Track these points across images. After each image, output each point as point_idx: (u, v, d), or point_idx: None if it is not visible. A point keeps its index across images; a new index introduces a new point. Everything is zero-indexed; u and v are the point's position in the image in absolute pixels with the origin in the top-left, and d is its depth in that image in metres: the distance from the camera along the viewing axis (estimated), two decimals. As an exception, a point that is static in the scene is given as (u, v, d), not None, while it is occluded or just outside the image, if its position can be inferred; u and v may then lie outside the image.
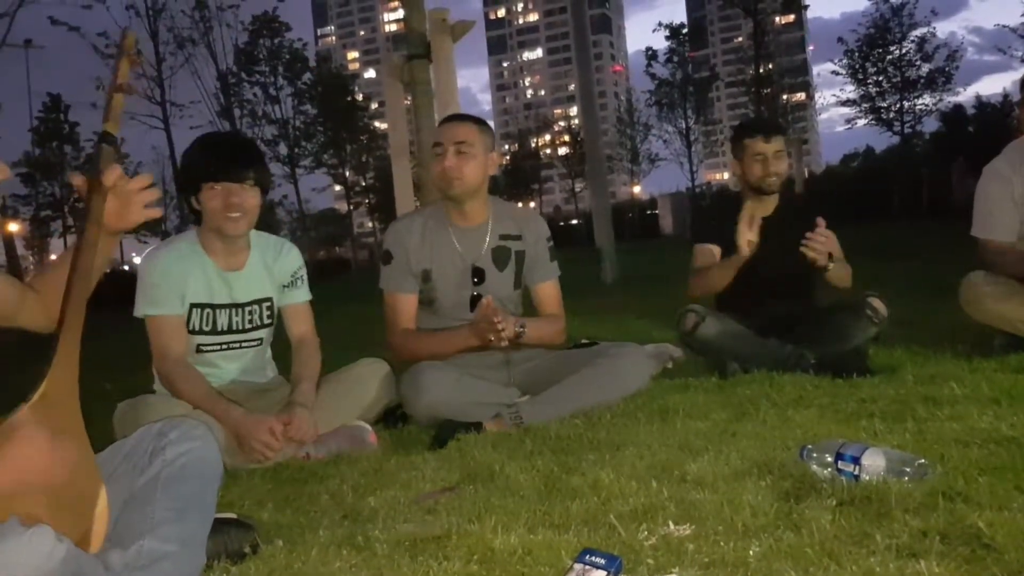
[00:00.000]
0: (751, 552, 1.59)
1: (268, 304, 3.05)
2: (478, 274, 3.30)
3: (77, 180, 1.73)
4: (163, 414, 2.40)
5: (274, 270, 3.06)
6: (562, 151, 65.51)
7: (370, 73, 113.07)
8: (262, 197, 2.93)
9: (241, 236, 2.94)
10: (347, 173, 45.34)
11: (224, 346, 2.99)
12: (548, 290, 3.44)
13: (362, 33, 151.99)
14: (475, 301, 3.26)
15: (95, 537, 1.53)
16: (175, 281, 2.87)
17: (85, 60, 30.95)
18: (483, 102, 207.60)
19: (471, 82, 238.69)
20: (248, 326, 3.01)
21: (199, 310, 2.92)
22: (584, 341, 3.45)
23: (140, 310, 2.88)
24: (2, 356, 1.71)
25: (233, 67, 36.74)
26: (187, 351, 2.91)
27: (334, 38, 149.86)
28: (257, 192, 2.89)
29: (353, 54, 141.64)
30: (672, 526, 1.77)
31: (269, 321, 3.07)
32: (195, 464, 1.69)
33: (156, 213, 1.85)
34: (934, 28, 35.56)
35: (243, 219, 2.86)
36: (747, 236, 3.40)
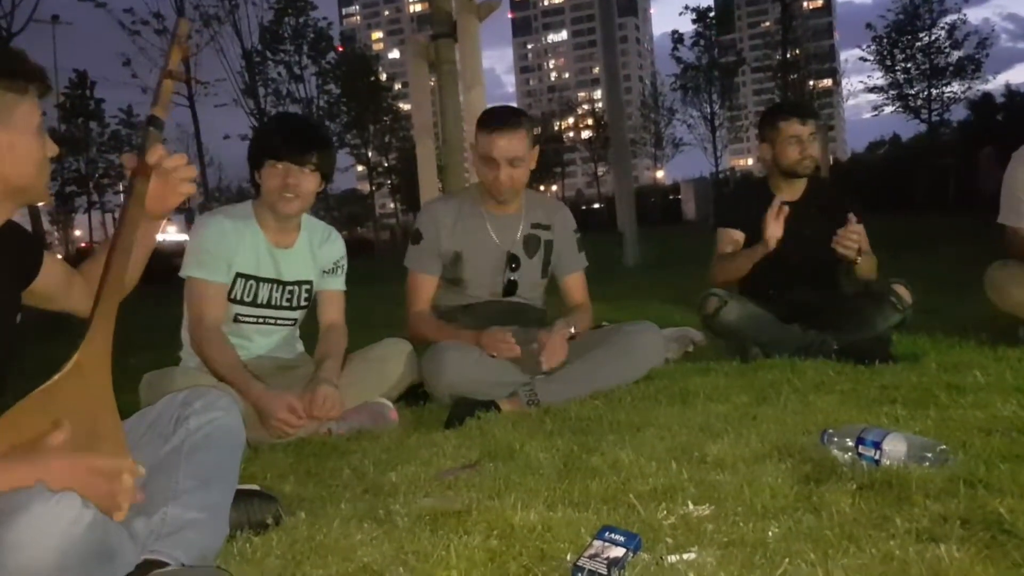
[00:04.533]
0: (770, 533, 1.59)
1: (308, 287, 3.09)
2: (514, 260, 3.34)
3: (128, 159, 1.77)
4: (187, 385, 2.42)
5: (319, 255, 3.10)
6: (585, 135, 65.35)
7: (394, 54, 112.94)
8: (322, 183, 2.97)
9: (293, 217, 2.99)
10: (370, 154, 45.39)
11: (260, 320, 3.02)
12: (575, 281, 3.50)
13: (387, 13, 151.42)
14: (509, 287, 3.34)
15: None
16: (226, 248, 2.90)
17: (112, 36, 31.11)
18: (507, 83, 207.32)
19: (496, 63, 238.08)
20: (286, 304, 3.05)
21: (243, 280, 2.95)
22: (604, 324, 3.46)
23: (186, 270, 2.91)
24: (38, 330, 1.75)
25: (258, 45, 36.80)
26: (223, 320, 2.93)
27: (359, 17, 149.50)
28: (316, 177, 2.92)
29: (377, 34, 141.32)
30: (691, 506, 1.78)
31: (306, 303, 3.11)
32: (218, 433, 1.71)
33: (191, 189, 1.88)
34: (964, 15, 35.14)
35: (296, 201, 2.90)
36: (773, 230, 3.42)
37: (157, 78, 1.84)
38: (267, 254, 2.98)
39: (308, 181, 2.89)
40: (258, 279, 2.97)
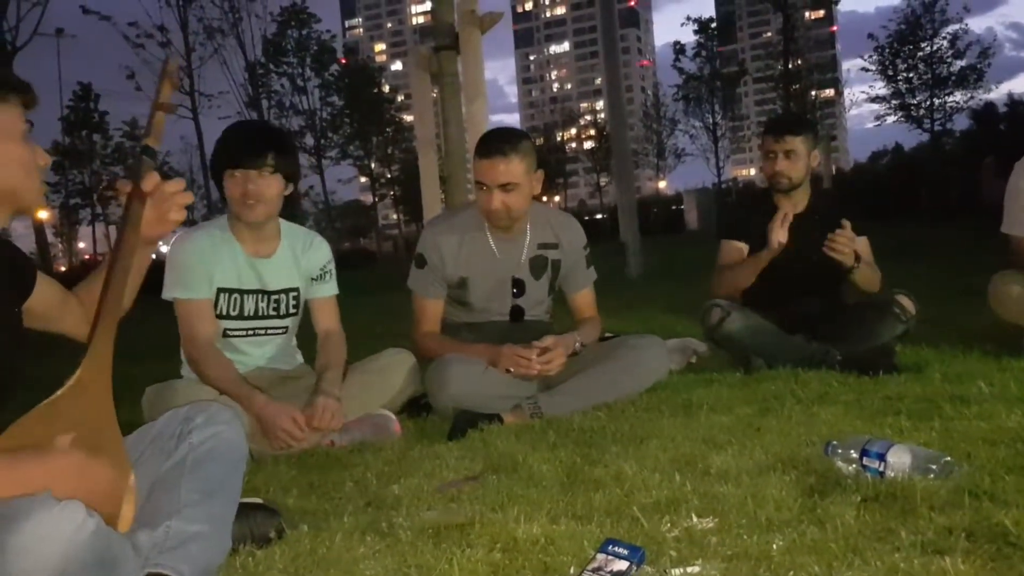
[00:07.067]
0: (774, 546, 1.58)
1: (295, 294, 3.07)
2: (518, 285, 3.31)
3: (123, 186, 1.81)
4: (190, 399, 2.42)
5: (302, 262, 3.08)
6: (588, 145, 65.50)
7: (397, 65, 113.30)
8: (286, 185, 2.92)
9: (260, 223, 2.94)
10: (373, 165, 45.52)
11: (250, 332, 3.01)
12: (585, 297, 3.47)
13: (389, 25, 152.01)
14: (515, 312, 3.32)
15: (123, 519, 1.55)
16: (205, 264, 2.89)
17: (116, 49, 31.28)
18: (509, 95, 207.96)
19: (498, 74, 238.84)
20: (272, 313, 3.03)
21: (226, 295, 2.94)
22: (608, 335, 3.45)
23: (169, 292, 2.90)
24: (38, 347, 1.78)
25: (261, 58, 37.02)
26: (216, 335, 2.93)
27: (361, 30, 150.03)
28: (277, 179, 2.87)
29: (380, 46, 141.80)
30: (695, 519, 1.77)
31: (295, 311, 3.09)
32: (221, 448, 1.71)
33: (183, 215, 1.90)
34: (966, 25, 35.26)
35: (259, 206, 2.86)
36: (778, 235, 3.43)
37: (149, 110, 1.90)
38: (247, 266, 2.97)
39: (268, 185, 2.84)
40: (241, 292, 2.96)
